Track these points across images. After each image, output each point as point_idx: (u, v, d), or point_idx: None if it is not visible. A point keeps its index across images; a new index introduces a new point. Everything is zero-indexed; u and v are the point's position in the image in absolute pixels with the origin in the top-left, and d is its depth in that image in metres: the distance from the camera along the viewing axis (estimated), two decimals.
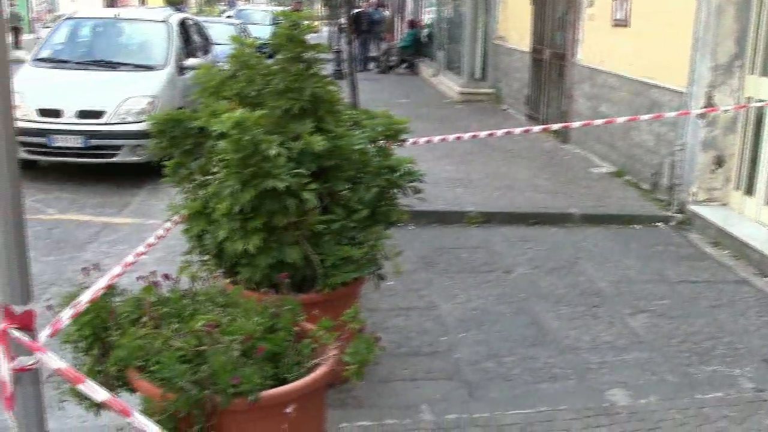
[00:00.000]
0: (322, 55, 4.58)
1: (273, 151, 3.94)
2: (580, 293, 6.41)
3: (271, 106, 4.39)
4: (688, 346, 5.49)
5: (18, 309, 2.26)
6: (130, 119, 9.73)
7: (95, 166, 10.06)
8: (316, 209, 4.26)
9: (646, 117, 7.37)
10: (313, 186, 4.18)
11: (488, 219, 8.30)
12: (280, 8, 33.67)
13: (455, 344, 5.43)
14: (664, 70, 8.86)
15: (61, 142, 9.64)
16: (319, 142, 4.19)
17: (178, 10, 14.87)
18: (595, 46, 11.18)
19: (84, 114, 9.72)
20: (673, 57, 8.58)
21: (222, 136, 4.14)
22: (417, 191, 4.68)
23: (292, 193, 4.07)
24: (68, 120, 9.66)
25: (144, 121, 9.49)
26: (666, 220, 8.41)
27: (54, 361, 2.36)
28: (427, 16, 26.10)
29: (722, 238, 7.70)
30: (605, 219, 8.41)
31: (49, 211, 8.68)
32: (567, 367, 5.12)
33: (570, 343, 5.50)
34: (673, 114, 7.61)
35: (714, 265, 7.19)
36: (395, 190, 4.68)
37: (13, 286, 2.23)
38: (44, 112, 9.70)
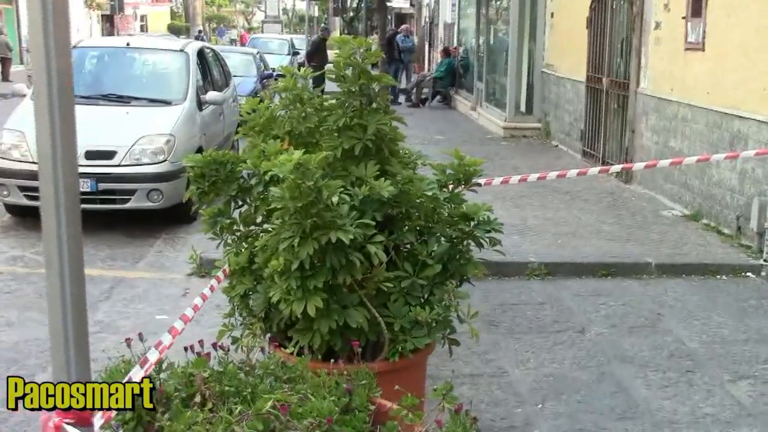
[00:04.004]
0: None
1: (335, 198, 3.77)
2: (668, 356, 6.18)
3: (329, 146, 4.24)
4: None
5: None
6: (144, 160, 9.59)
7: (105, 214, 9.93)
8: (382, 265, 4.08)
9: (748, 153, 7.14)
10: (380, 238, 4.01)
11: (552, 271, 8.10)
12: (300, 36, 33.91)
13: (533, 417, 5.21)
14: (749, 98, 8.67)
15: None
16: (387, 188, 4.01)
17: (198, 38, 14.87)
18: (664, 73, 11.02)
19: (93, 155, 9.54)
20: (760, 83, 8.39)
21: (274, 180, 4.00)
22: (495, 243, 4.48)
23: (356, 247, 3.89)
24: None
25: (161, 162, 9.58)
26: (757, 269, 8.17)
27: None
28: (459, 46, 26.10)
29: None
30: (686, 269, 8.20)
31: None
32: None
33: (666, 415, 5.26)
34: None
35: None
36: (469, 242, 4.48)
37: (69, 365, 2.02)
38: None
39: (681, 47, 10.38)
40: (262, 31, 53.03)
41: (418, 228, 4.37)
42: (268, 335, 4.34)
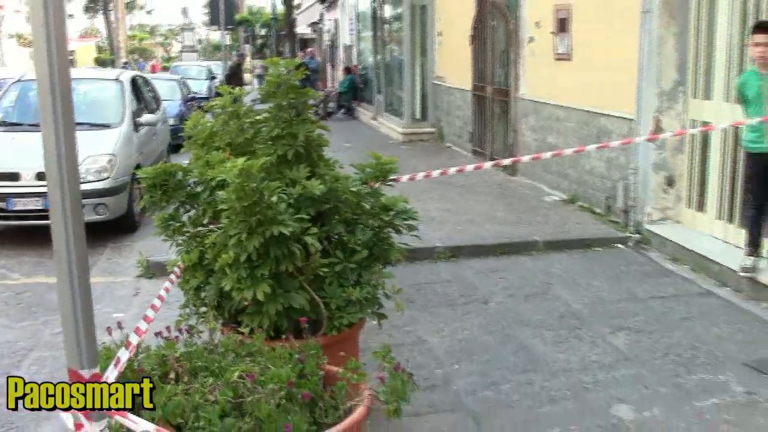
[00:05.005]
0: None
1: (275, 198, 3.87)
2: (559, 317, 6.43)
3: (265, 153, 4.32)
4: (672, 358, 5.56)
5: (86, 373, 2.14)
6: (90, 178, 9.44)
7: None
8: (318, 253, 4.19)
9: (616, 143, 7.49)
10: (314, 230, 4.11)
11: (456, 253, 8.30)
12: (217, 63, 33.45)
13: (451, 375, 5.37)
14: (611, 99, 9.02)
15: (20, 205, 9.31)
16: (317, 186, 4.13)
17: (125, 68, 14.66)
18: (539, 80, 11.35)
19: (44, 176, 9.35)
20: (619, 86, 8.75)
21: (219, 186, 4.07)
22: (412, 228, 4.63)
23: (295, 239, 3.99)
24: (27, 183, 9.31)
25: (105, 179, 9.47)
26: (624, 240, 8.52)
27: (142, 424, 2.23)
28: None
29: (680, 253, 7.81)
30: (567, 244, 8.49)
31: (14, 275, 8.37)
32: (563, 389, 5.11)
33: (560, 365, 5.49)
34: (642, 138, 7.76)
35: (678, 280, 7.30)
36: (389, 230, 4.62)
37: (80, 350, 2.10)
38: (1, 176, 9.35)
39: (552, 58, 10.71)
40: (181, 60, 52.23)
41: (345, 220, 4.48)
42: (221, 321, 4.41)
